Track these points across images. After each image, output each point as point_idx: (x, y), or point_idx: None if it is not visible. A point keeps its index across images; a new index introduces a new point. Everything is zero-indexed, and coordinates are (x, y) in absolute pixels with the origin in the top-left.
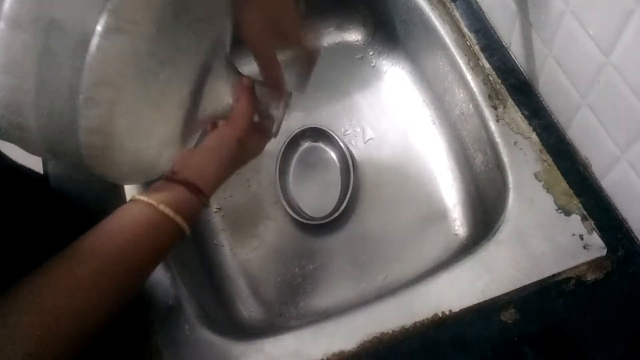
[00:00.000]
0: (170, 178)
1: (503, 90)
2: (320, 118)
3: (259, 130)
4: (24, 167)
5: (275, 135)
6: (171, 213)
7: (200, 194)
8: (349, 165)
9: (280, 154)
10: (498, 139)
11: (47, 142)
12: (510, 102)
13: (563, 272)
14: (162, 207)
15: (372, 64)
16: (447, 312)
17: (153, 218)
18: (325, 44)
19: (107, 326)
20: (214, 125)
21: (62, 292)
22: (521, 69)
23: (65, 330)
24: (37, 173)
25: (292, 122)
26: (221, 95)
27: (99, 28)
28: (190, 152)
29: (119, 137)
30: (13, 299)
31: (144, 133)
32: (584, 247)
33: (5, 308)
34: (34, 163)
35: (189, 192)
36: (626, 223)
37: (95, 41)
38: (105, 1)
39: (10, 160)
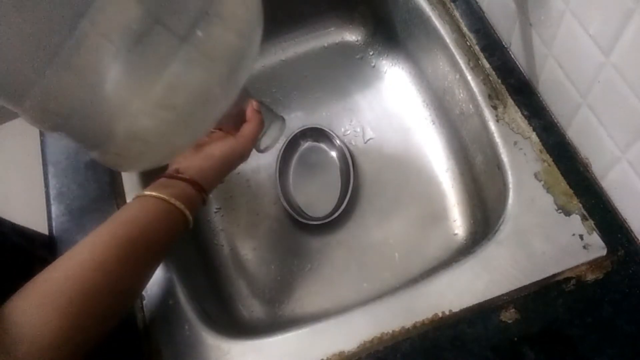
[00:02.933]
0: (175, 176)
1: (503, 90)
2: (320, 118)
3: None
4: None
5: (261, 152)
6: (181, 206)
7: (202, 192)
8: (349, 165)
9: (280, 154)
10: (498, 139)
11: (72, 130)
12: (510, 102)
13: (563, 272)
14: (173, 200)
15: (372, 64)
16: (447, 312)
17: (165, 209)
18: (325, 44)
19: (134, 301)
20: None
21: (92, 273)
22: (521, 69)
23: (96, 308)
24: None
25: (292, 122)
26: (233, 111)
27: (181, 54)
28: (192, 154)
29: (157, 147)
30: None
31: (180, 143)
32: (584, 247)
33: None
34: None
35: (193, 189)
36: (626, 223)
37: (173, 66)
38: (192, 32)
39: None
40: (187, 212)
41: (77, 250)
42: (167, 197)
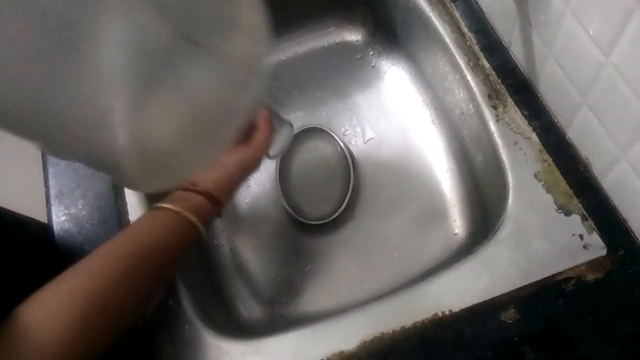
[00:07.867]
0: (191, 189)
1: (503, 90)
2: (320, 118)
3: None
4: (27, 219)
5: (271, 159)
6: (194, 219)
7: (218, 205)
8: (349, 165)
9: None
10: (498, 139)
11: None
12: (510, 102)
13: (563, 272)
14: (187, 214)
15: (372, 64)
16: (447, 312)
17: (179, 224)
18: (325, 44)
19: (143, 314)
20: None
21: (97, 289)
22: (521, 69)
23: (103, 320)
24: (41, 223)
25: (292, 122)
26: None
27: (202, 66)
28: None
29: (177, 165)
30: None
31: (201, 160)
32: (584, 247)
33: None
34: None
35: (209, 202)
36: (626, 223)
37: (192, 78)
38: (214, 42)
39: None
40: (200, 225)
41: (88, 262)
42: (181, 211)
